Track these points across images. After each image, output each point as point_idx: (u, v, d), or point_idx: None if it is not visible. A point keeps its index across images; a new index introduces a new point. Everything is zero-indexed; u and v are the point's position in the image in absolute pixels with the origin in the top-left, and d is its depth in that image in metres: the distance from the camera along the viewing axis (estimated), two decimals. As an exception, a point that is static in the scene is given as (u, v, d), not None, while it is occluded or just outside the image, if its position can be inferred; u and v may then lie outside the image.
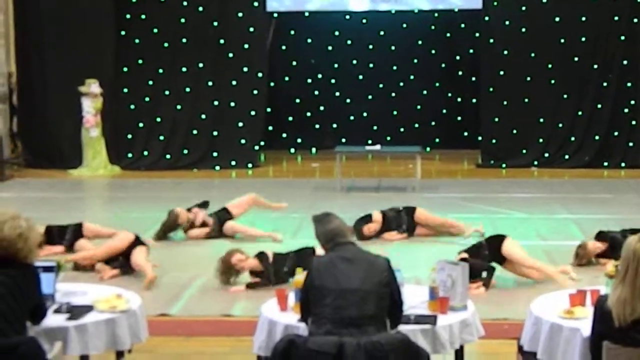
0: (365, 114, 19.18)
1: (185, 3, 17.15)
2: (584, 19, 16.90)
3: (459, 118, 19.10)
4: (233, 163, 17.17)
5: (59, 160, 17.05)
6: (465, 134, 18.78)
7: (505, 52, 17.08)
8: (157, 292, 9.00)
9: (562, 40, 16.93)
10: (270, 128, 18.51)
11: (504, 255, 9.16)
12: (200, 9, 17.17)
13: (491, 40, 17.11)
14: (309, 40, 19.20)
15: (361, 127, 18.85)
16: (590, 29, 16.94)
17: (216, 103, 17.36)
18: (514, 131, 17.17)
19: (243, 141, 17.30)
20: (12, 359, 5.08)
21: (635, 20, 16.88)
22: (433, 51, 19.11)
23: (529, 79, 17.09)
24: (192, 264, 10.11)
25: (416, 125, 18.99)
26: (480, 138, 17.56)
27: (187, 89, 17.34)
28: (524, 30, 17.00)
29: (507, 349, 7.05)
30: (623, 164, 16.90)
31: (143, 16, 17.19)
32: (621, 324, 5.06)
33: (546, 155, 17.15)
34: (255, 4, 17.22)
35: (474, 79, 18.35)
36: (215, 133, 17.37)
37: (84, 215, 11.34)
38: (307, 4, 18.19)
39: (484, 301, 8.23)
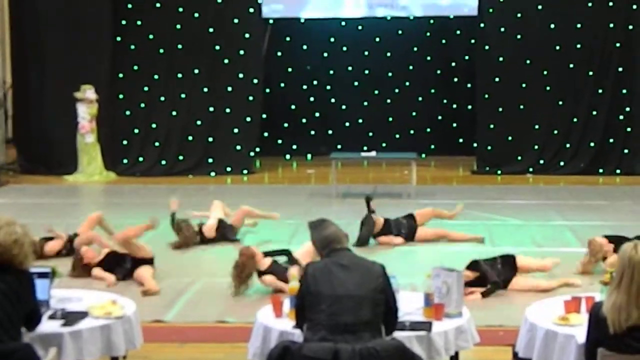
0: (360, 121, 19.17)
1: (181, 9, 17.14)
2: (579, 25, 16.92)
3: (455, 124, 19.10)
4: (228, 169, 17.16)
5: (55, 166, 17.02)
6: (461, 140, 18.78)
7: (501, 59, 17.09)
8: (153, 298, 8.99)
9: (558, 47, 16.94)
10: (266, 134, 18.50)
11: (519, 265, 9.28)
12: (196, 15, 17.17)
13: (487, 47, 17.13)
14: (305, 47, 19.20)
15: (356, 134, 18.85)
16: (586, 36, 16.96)
17: (211, 109, 17.35)
18: (509, 138, 17.18)
19: (238, 147, 17.29)
20: (8, 365, 5.09)
21: (631, 27, 16.90)
22: (428, 58, 19.11)
23: (524, 85, 17.11)
24: (189, 270, 10.10)
25: (411, 132, 18.98)
26: (475, 144, 17.57)
27: (183, 95, 17.33)
28: (519, 37, 17.02)
29: (502, 355, 7.05)
30: (618, 171, 16.91)
31: (139, 22, 17.18)
32: (616, 330, 5.07)
33: (541, 161, 17.16)
34: (251, 10, 17.23)
35: (469, 85, 18.35)
36: (210, 139, 17.36)
37: (79, 222, 11.32)
38: (303, 10, 18.20)
39: (480, 308, 8.22)
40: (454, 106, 19.16)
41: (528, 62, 17.01)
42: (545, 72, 17.00)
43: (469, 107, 18.27)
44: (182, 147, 17.37)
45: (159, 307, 8.70)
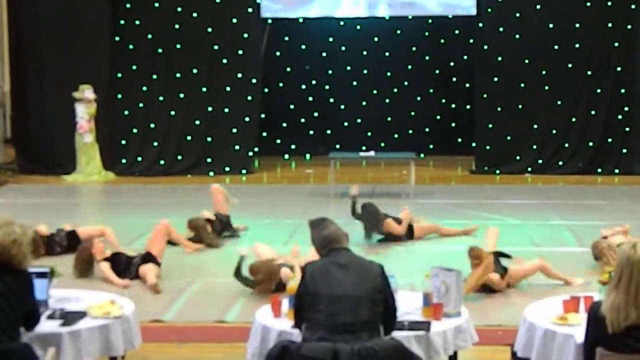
0: (359, 120, 19.18)
1: (179, 9, 17.14)
2: (577, 25, 16.93)
3: (453, 124, 19.10)
4: (227, 169, 17.16)
5: (53, 166, 17.02)
6: (459, 140, 18.77)
7: (500, 59, 17.09)
8: (152, 298, 8.98)
9: (556, 47, 16.95)
10: (265, 134, 18.50)
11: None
12: (195, 15, 17.17)
13: (485, 47, 17.13)
14: (303, 47, 19.19)
15: (355, 133, 18.85)
16: (584, 36, 16.96)
17: (210, 109, 17.35)
18: (508, 137, 17.18)
19: (237, 147, 17.29)
20: (7, 365, 5.08)
21: (629, 26, 16.91)
22: (427, 57, 19.11)
23: (523, 85, 17.11)
24: (189, 270, 10.09)
25: (410, 132, 18.98)
26: (474, 144, 17.57)
27: (181, 95, 17.33)
28: (518, 36, 17.02)
29: (501, 355, 7.05)
30: (617, 171, 16.92)
31: (137, 22, 17.18)
32: (615, 330, 5.07)
33: (540, 161, 17.16)
34: (250, 10, 17.23)
35: (468, 85, 18.34)
36: (209, 139, 17.36)
37: (78, 222, 11.31)
38: (302, 10, 18.20)
39: (478, 307, 8.23)
40: (453, 106, 19.16)
41: (527, 61, 17.01)
42: (543, 72, 17.00)
43: (468, 106, 18.26)
44: (180, 147, 17.37)
45: (158, 307, 8.70)
